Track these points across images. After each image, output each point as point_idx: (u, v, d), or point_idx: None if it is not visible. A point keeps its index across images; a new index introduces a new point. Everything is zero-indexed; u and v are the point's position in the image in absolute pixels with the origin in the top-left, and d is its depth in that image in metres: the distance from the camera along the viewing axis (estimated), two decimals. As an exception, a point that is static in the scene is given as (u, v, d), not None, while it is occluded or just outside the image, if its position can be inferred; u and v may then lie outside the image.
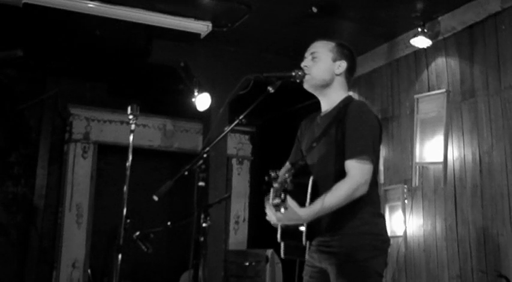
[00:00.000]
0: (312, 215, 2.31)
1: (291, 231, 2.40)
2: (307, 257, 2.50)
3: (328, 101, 2.60)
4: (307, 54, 2.62)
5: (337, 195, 2.30)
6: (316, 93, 2.64)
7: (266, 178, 2.18)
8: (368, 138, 2.41)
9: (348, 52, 2.64)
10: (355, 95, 5.58)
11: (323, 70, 2.57)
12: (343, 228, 2.38)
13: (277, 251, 5.38)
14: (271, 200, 2.30)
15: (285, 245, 2.51)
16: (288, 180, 2.18)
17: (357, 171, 2.33)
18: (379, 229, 2.46)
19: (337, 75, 2.59)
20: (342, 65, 2.60)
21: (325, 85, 2.58)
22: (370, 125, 2.45)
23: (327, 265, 2.42)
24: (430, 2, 4.41)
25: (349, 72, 2.64)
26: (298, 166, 2.53)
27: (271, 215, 2.37)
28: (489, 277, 3.97)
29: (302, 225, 2.38)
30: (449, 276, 4.32)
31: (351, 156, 2.36)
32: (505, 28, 4.14)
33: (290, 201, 2.27)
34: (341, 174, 2.36)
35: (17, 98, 6.31)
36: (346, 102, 2.54)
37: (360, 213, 2.39)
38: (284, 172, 2.50)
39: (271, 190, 2.30)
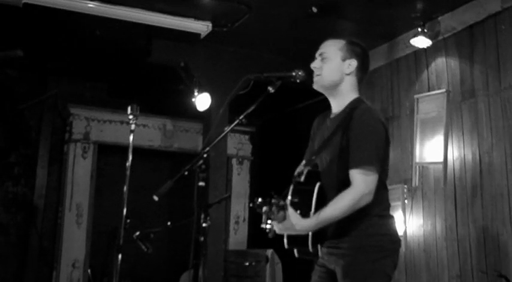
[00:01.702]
0: (311, 228, 2.32)
1: (297, 238, 2.39)
2: (319, 257, 2.50)
3: (338, 102, 2.54)
4: (317, 55, 2.58)
5: (338, 207, 2.30)
6: (326, 94, 2.59)
7: (251, 205, 2.23)
8: (372, 147, 2.35)
9: (359, 50, 2.58)
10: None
11: (332, 70, 2.51)
12: (351, 230, 2.37)
13: (278, 251, 5.39)
14: (262, 222, 2.30)
15: (297, 249, 2.51)
16: (273, 208, 2.23)
17: (360, 182, 2.30)
18: (387, 229, 2.45)
19: (347, 74, 2.53)
20: (352, 63, 2.54)
21: (335, 86, 2.52)
22: (375, 132, 2.39)
23: (335, 266, 2.41)
24: (430, 2, 4.41)
25: (361, 70, 2.57)
26: (308, 171, 2.52)
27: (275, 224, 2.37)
28: (489, 277, 3.97)
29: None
30: (449, 276, 4.32)
31: (355, 166, 2.32)
32: (505, 28, 4.14)
33: (291, 213, 2.30)
34: (346, 182, 2.34)
35: (17, 98, 6.31)
36: (353, 106, 2.47)
37: (368, 215, 2.37)
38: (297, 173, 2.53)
39: (264, 213, 2.32)
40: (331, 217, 2.30)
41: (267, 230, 2.22)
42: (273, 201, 2.23)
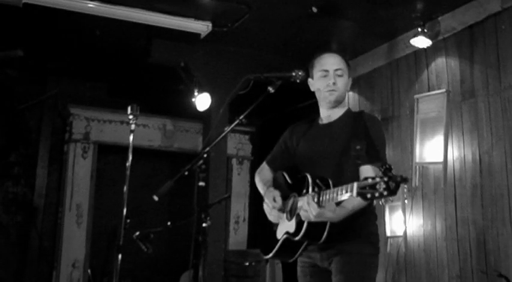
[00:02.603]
0: (342, 217, 2.35)
1: (315, 229, 2.38)
2: (302, 257, 2.52)
3: (333, 113, 2.67)
4: (329, 68, 2.63)
5: (358, 199, 2.33)
6: (329, 106, 2.68)
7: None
8: (384, 149, 2.56)
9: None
10: (355, 95, 5.59)
11: (345, 87, 2.67)
12: (349, 227, 2.43)
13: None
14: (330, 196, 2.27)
15: (280, 245, 2.50)
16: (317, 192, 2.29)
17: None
18: (377, 230, 2.60)
19: (348, 91, 2.73)
20: (351, 81, 2.73)
21: (342, 101, 2.69)
22: (384, 136, 2.62)
23: (330, 262, 2.47)
24: (430, 2, 4.41)
25: None
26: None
27: (311, 210, 2.32)
28: (489, 277, 3.97)
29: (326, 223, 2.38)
30: (449, 276, 4.32)
31: (370, 162, 2.41)
32: (505, 28, 4.14)
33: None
34: (354, 179, 2.39)
35: (17, 98, 6.31)
36: (354, 113, 2.67)
37: (365, 214, 2.48)
38: (268, 179, 2.73)
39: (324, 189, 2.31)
40: (352, 209, 2.37)
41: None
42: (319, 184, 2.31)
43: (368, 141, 2.46)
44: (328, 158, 2.54)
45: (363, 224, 2.50)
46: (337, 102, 2.65)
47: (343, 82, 2.64)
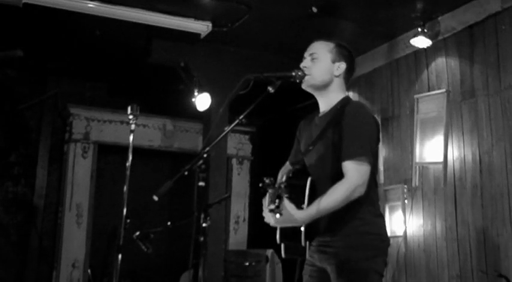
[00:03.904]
0: (308, 219, 2.34)
1: (290, 232, 2.41)
2: (307, 256, 2.52)
3: (327, 102, 2.60)
4: (307, 55, 2.62)
5: (333, 197, 2.32)
6: (314, 94, 2.64)
7: (260, 184, 2.21)
8: (365, 139, 2.41)
9: (347, 53, 2.64)
10: (355, 95, 5.58)
11: (322, 71, 2.57)
12: (343, 228, 2.39)
13: (278, 251, 5.37)
14: (267, 205, 2.32)
15: (285, 245, 2.52)
16: (283, 186, 2.22)
17: (354, 172, 2.33)
18: (378, 229, 2.47)
19: (336, 76, 2.59)
20: (341, 66, 2.60)
21: (324, 86, 2.59)
22: (367, 125, 2.46)
23: (327, 265, 2.43)
24: (430, 2, 4.41)
25: (348, 73, 2.64)
26: (296, 168, 2.56)
27: (268, 218, 2.40)
28: (489, 277, 3.97)
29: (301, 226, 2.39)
30: (449, 276, 4.32)
31: (348, 158, 2.35)
32: (505, 28, 4.14)
33: (287, 204, 2.31)
34: (338, 176, 2.37)
35: (17, 98, 6.31)
36: (344, 103, 2.54)
37: (360, 214, 2.40)
38: (282, 174, 2.56)
39: (267, 195, 2.33)
40: (325, 209, 2.31)
41: (274, 211, 2.20)
42: (271, 190, 2.25)
43: (336, 135, 2.41)
44: (313, 152, 2.52)
45: (351, 225, 2.38)
46: (312, 87, 2.58)
47: (316, 66, 2.55)
